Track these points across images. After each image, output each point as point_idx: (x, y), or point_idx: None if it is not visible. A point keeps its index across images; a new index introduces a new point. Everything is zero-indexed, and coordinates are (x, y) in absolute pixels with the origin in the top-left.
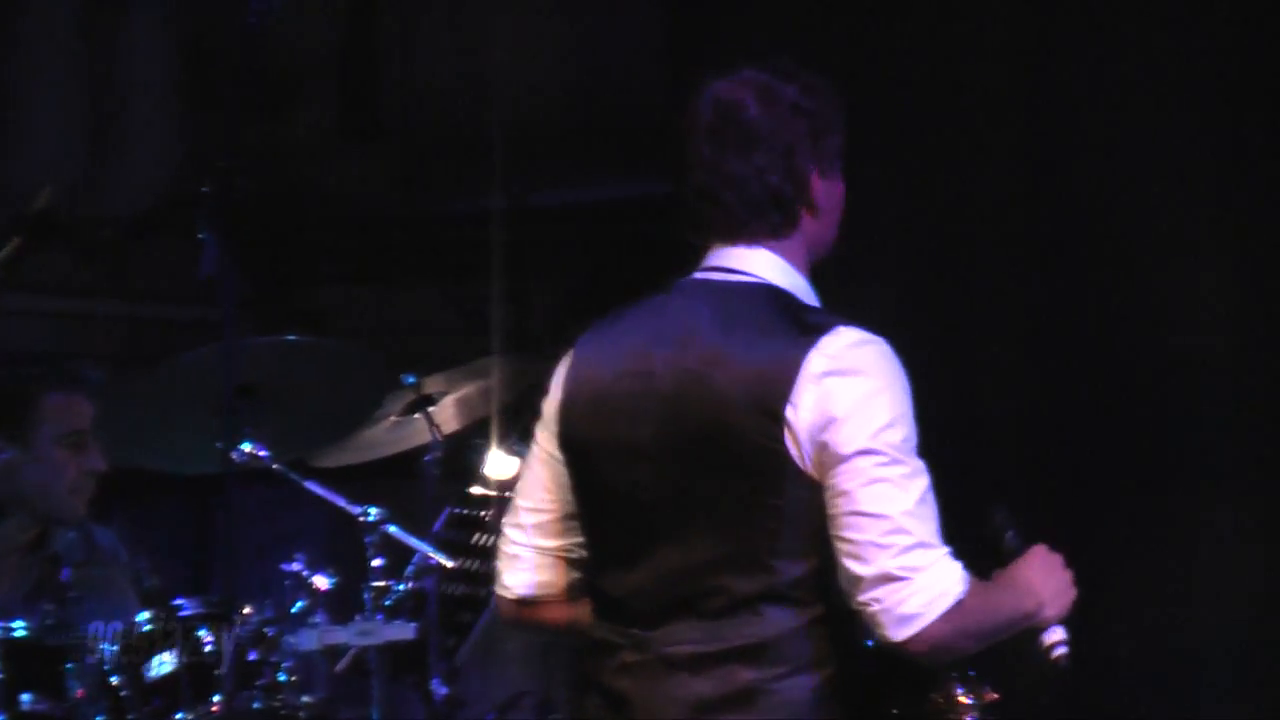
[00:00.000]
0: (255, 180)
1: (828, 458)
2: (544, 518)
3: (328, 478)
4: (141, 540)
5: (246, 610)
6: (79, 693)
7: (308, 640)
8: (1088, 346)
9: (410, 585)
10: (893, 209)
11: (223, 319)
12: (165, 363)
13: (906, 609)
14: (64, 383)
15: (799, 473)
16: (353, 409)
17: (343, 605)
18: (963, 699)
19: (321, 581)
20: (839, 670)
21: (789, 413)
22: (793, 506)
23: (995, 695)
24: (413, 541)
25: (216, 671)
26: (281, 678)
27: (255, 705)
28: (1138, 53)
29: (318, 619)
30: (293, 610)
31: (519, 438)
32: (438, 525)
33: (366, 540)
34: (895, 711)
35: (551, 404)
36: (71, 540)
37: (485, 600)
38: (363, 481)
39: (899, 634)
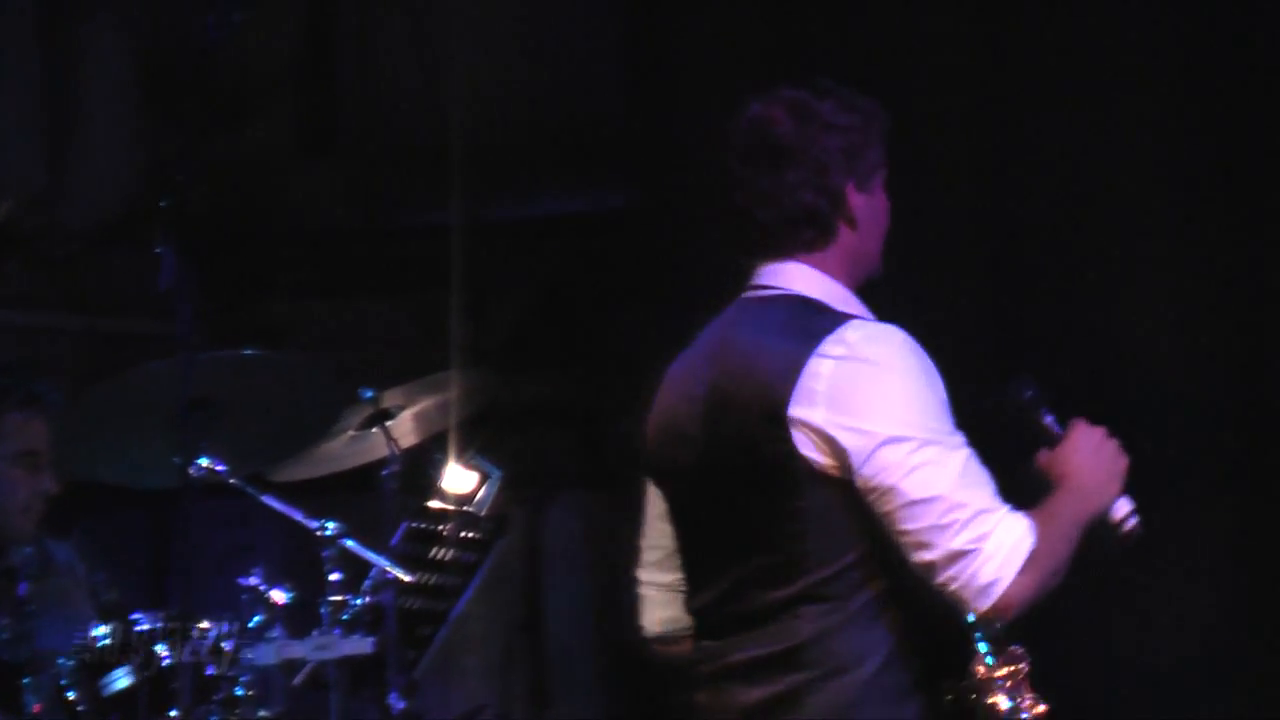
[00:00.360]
0: (213, 193)
1: (852, 453)
2: (658, 554)
3: (285, 492)
4: (99, 554)
5: (204, 624)
6: (36, 707)
7: (265, 654)
8: (1040, 353)
9: (368, 599)
10: None
11: (180, 332)
12: (122, 376)
13: (984, 579)
14: (23, 402)
15: (818, 473)
16: (310, 422)
17: (300, 619)
18: (997, 671)
19: (279, 595)
20: (886, 660)
21: (795, 413)
22: (817, 507)
23: (1025, 663)
24: (370, 555)
25: (174, 686)
26: (239, 692)
27: (213, 719)
28: (1093, 59)
29: (275, 633)
30: (250, 624)
31: (477, 452)
32: (395, 539)
33: (324, 554)
34: (950, 698)
35: (643, 436)
36: (28, 555)
37: (443, 614)
38: (320, 495)
39: (985, 604)
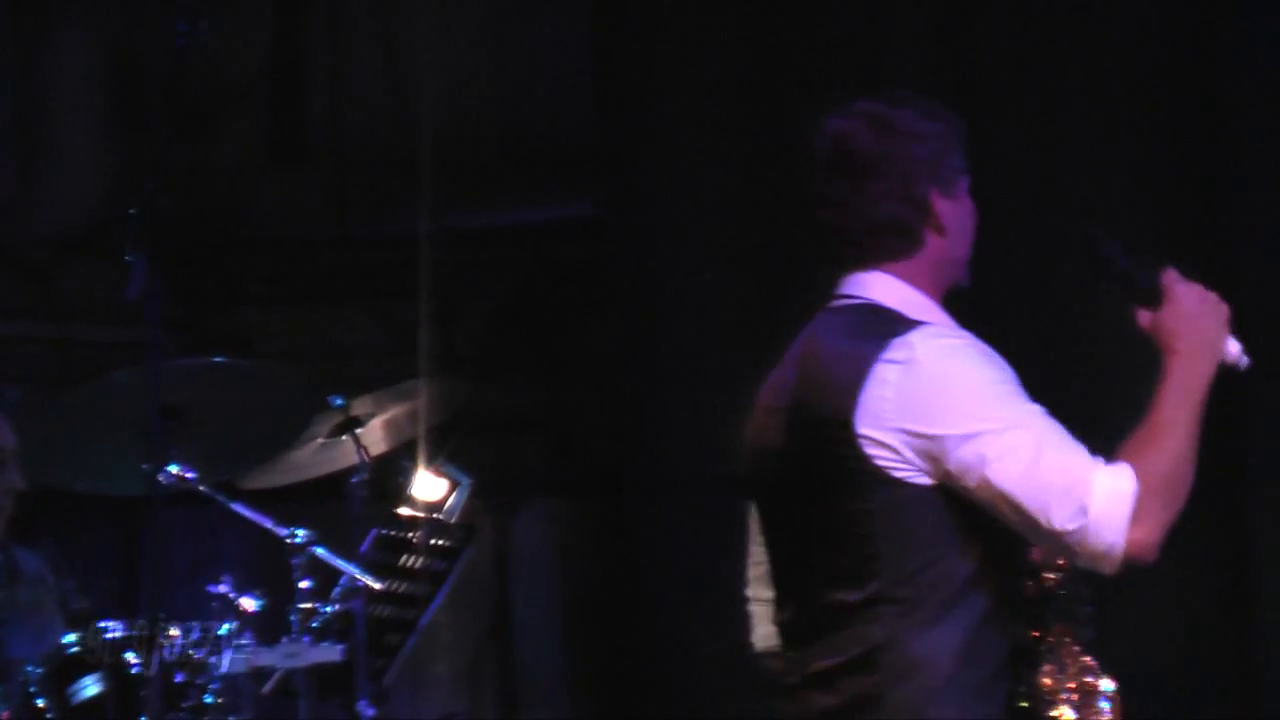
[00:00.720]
0: (182, 202)
1: (928, 457)
2: (760, 570)
3: (255, 499)
4: (68, 562)
5: (173, 632)
6: (4, 715)
7: (234, 662)
8: (1010, 361)
9: (337, 607)
10: (805, 206)
11: (150, 340)
12: (92, 383)
13: (1099, 545)
14: None
15: (890, 478)
16: (280, 430)
17: (270, 627)
18: (1065, 682)
19: (248, 603)
20: (960, 662)
21: (863, 419)
22: (886, 511)
23: (1095, 677)
24: (340, 563)
25: (143, 693)
26: (208, 699)
27: None
28: (1061, 69)
29: (244, 641)
30: (219, 632)
31: (446, 459)
32: (365, 547)
33: (293, 562)
34: (1024, 705)
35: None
36: None
37: (412, 622)
38: (290, 503)
39: (1111, 566)
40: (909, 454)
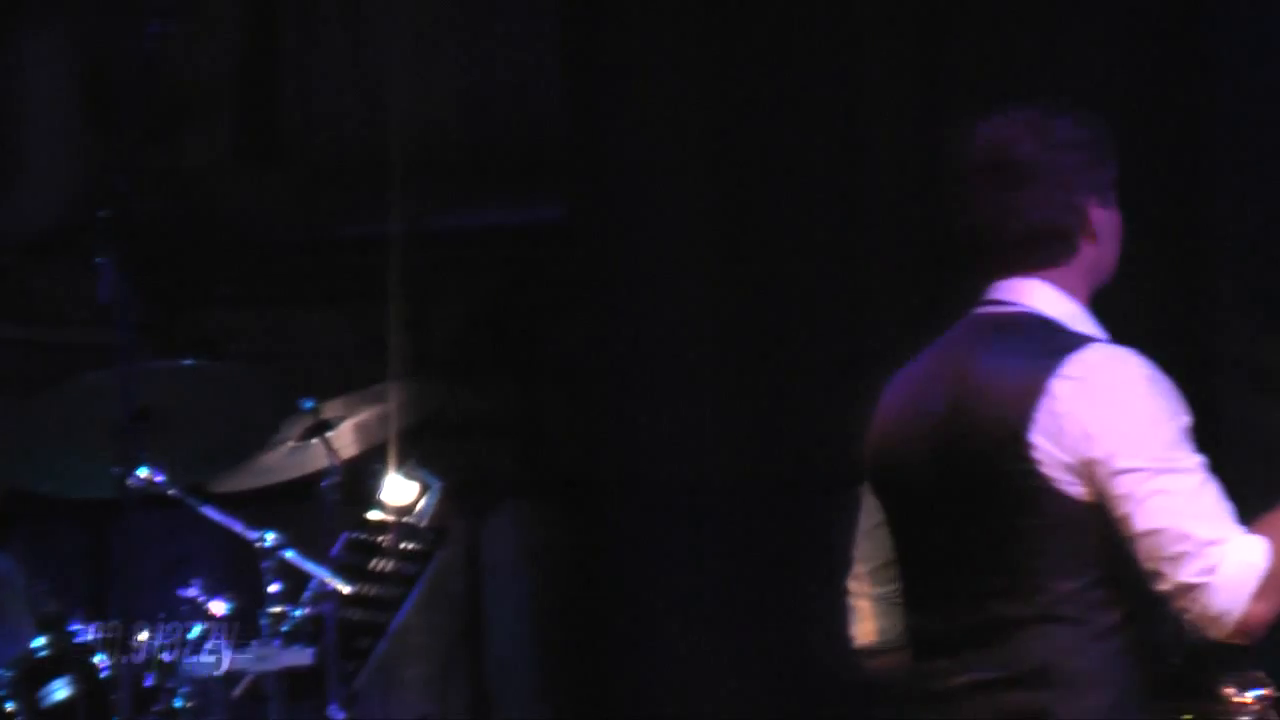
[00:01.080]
0: (153, 204)
1: (1095, 477)
2: (873, 564)
3: (225, 502)
4: (38, 565)
5: (143, 635)
6: None
7: (204, 665)
8: None
9: (308, 610)
10: (774, 210)
11: (120, 343)
12: (62, 386)
13: (1214, 610)
14: None
15: (1058, 494)
16: (250, 433)
17: (240, 630)
18: (1240, 699)
19: (219, 606)
20: (1127, 679)
21: (1034, 436)
22: (1056, 527)
23: (1271, 689)
24: (310, 566)
25: (113, 696)
26: (178, 703)
27: None
28: (1029, 71)
29: (215, 644)
30: (189, 635)
31: (417, 463)
32: (335, 550)
33: (264, 565)
34: (1188, 717)
35: (865, 447)
36: None
37: (383, 625)
38: (260, 506)
39: (1219, 633)
40: (1078, 473)
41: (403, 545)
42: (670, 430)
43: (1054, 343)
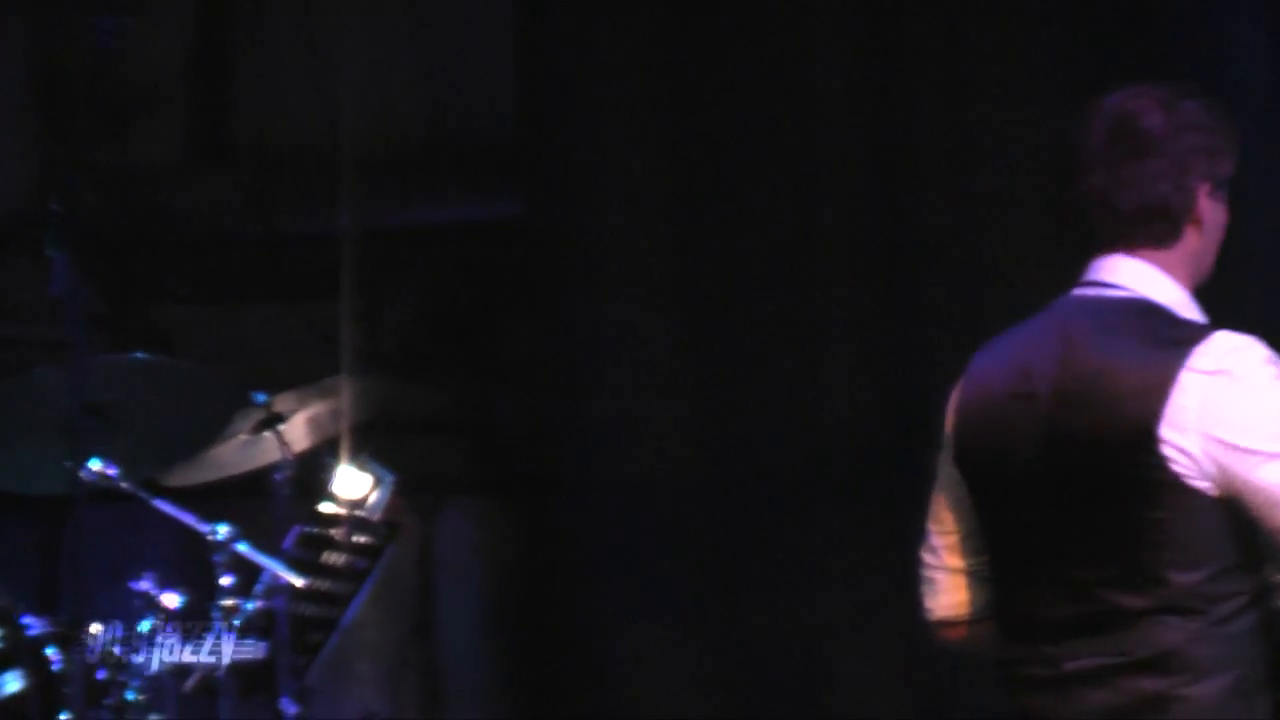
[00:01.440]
0: (104, 199)
1: (1226, 470)
2: (952, 539)
3: (177, 496)
4: None
5: (94, 629)
6: None
7: (156, 659)
8: (941, 357)
9: (260, 604)
10: (728, 209)
11: (72, 337)
12: (13, 381)
13: None
14: None
15: (1185, 487)
16: (202, 427)
17: (192, 624)
18: None
19: (170, 600)
20: (1246, 666)
21: (1165, 429)
22: (1179, 520)
23: None
24: (262, 560)
25: (64, 690)
26: (130, 697)
27: None
28: (983, 58)
29: (166, 638)
30: (141, 629)
31: (369, 456)
32: (287, 544)
33: (215, 559)
34: None
35: (949, 423)
36: None
37: (335, 620)
38: (212, 500)
39: None
40: (1206, 464)
41: (354, 539)
42: (623, 428)
43: (1176, 332)
